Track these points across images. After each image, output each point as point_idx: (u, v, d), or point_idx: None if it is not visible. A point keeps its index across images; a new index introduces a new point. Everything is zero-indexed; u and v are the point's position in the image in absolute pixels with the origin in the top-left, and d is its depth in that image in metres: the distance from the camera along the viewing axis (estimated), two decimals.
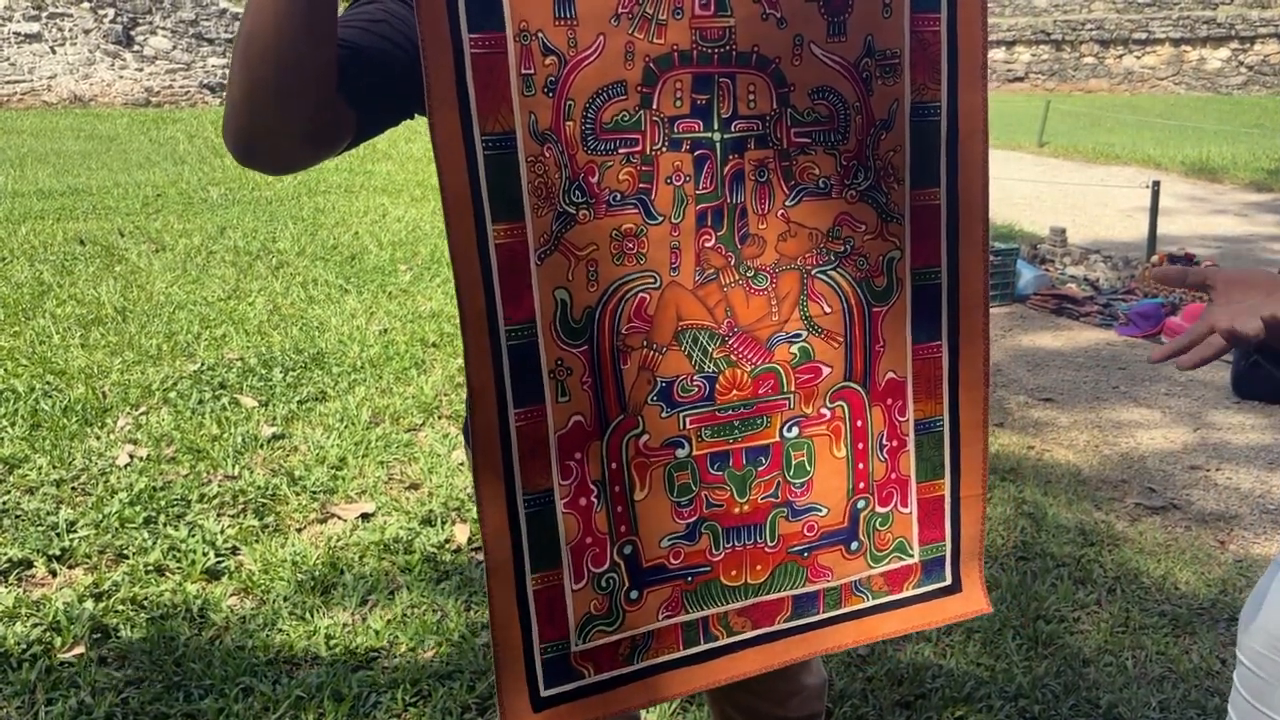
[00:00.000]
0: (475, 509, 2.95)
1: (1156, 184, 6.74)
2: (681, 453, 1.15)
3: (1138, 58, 20.75)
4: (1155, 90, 20.50)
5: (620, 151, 1.06)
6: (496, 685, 1.14)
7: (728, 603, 1.22)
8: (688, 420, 1.15)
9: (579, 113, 1.03)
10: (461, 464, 3.30)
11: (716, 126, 1.09)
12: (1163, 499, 3.30)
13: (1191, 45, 20.25)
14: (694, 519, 1.18)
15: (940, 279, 1.22)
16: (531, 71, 1.01)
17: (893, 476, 1.26)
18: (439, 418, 3.72)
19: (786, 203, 1.13)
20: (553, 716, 1.15)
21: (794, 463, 1.21)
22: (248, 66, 0.93)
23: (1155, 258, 6.26)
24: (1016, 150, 12.36)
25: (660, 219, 1.09)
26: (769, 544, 1.21)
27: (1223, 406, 4.19)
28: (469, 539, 2.84)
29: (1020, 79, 21.43)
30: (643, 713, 2.13)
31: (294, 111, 0.96)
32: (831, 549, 1.25)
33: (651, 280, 1.10)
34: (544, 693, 1.15)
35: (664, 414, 1.13)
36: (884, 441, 1.24)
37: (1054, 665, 2.36)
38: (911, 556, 1.29)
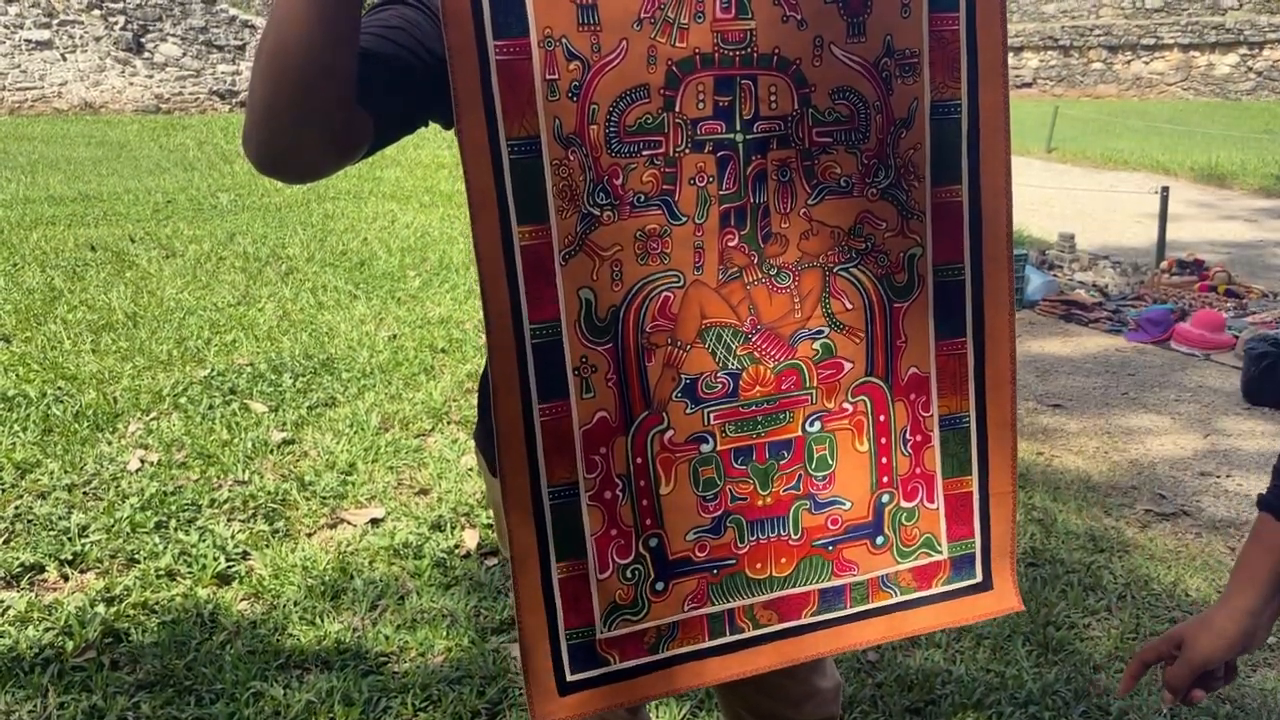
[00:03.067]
0: (484, 514, 2.97)
1: (1165, 189, 6.74)
2: (706, 448, 1.17)
3: (1146, 63, 20.72)
4: (1164, 96, 20.47)
5: (644, 154, 1.07)
6: (522, 669, 1.17)
7: (753, 595, 1.23)
8: (712, 416, 1.16)
9: (603, 116, 1.05)
10: (470, 469, 3.30)
11: (739, 127, 1.10)
12: (1173, 505, 3.29)
13: (1200, 51, 20.22)
14: (719, 513, 1.20)
15: (964, 275, 1.22)
16: (556, 77, 1.02)
17: (917, 471, 1.26)
18: (448, 423, 3.73)
19: (809, 201, 1.14)
20: (579, 701, 1.18)
21: (816, 456, 1.22)
22: (273, 79, 0.94)
23: (1164, 263, 6.25)
24: (1025, 155, 12.34)
25: (684, 219, 1.11)
26: (793, 537, 1.23)
27: (1233, 413, 4.18)
28: (478, 544, 2.84)
29: (1029, 84, 21.41)
30: (653, 716, 2.13)
31: (318, 121, 0.97)
32: (856, 543, 1.26)
33: (675, 279, 1.12)
34: (570, 678, 1.17)
35: (689, 410, 1.16)
36: (907, 436, 1.25)
37: (1064, 671, 2.35)
38: (940, 553, 1.30)
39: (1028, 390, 4.41)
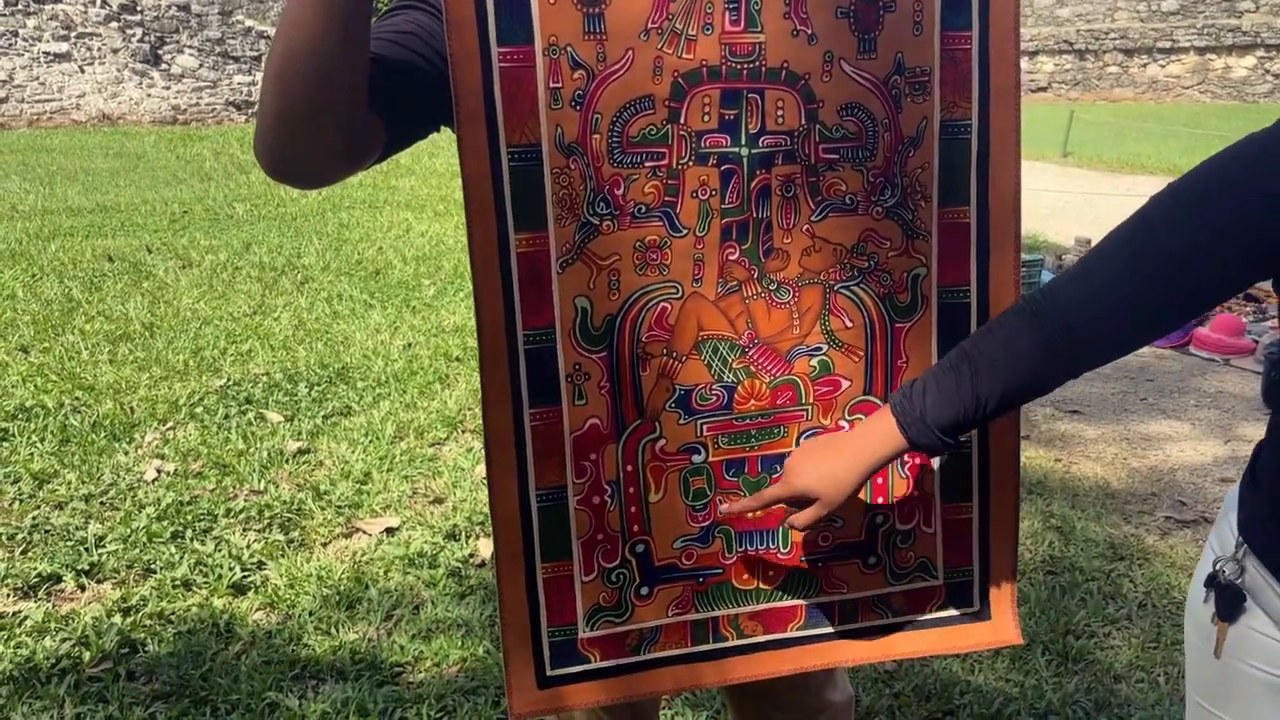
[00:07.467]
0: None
1: None
2: (697, 458, 1.17)
3: (1162, 66, 20.62)
4: (1180, 99, 20.36)
5: (646, 165, 1.07)
6: (504, 662, 1.19)
7: (739, 605, 1.23)
8: (705, 427, 1.16)
9: (606, 126, 1.04)
10: (485, 478, 3.30)
11: (744, 141, 1.09)
12: (1193, 512, 3.26)
13: (1216, 54, 20.11)
14: (708, 523, 1.20)
15: (969, 298, 1.20)
16: (559, 85, 1.02)
17: (915, 495, 1.24)
18: (463, 432, 3.73)
19: (812, 218, 1.13)
20: (556, 695, 1.20)
21: None
22: (282, 83, 0.94)
23: None
24: (1041, 160, 12.29)
25: (685, 231, 1.10)
26: (782, 550, 1.23)
27: (1253, 419, 4.13)
28: (493, 553, 2.84)
29: (1043, 89, 21.34)
30: None
31: (328, 126, 0.97)
32: (847, 561, 1.25)
33: (674, 290, 1.11)
34: (550, 672, 1.19)
35: (681, 420, 1.16)
36: (905, 459, 1.23)
37: (1084, 681, 2.33)
38: (935, 578, 1.28)
39: (1045, 396, 4.37)
